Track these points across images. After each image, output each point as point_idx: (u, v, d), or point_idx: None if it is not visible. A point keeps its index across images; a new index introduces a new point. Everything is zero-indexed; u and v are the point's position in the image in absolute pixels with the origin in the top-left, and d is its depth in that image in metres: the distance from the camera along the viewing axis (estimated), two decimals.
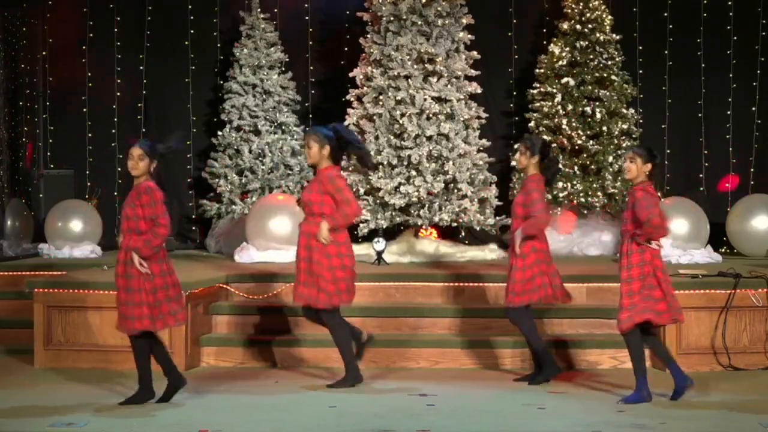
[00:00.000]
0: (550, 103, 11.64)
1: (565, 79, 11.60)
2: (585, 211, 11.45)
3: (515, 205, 7.77)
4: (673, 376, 7.09)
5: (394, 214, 10.77)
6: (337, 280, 7.48)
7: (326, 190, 7.48)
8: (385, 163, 10.71)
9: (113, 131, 12.62)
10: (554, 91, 11.63)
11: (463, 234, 11.24)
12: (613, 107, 11.55)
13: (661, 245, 7.09)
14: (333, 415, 6.65)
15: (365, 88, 11.09)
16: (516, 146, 7.68)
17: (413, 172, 10.70)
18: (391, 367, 8.32)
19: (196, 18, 12.71)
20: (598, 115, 11.48)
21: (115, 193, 12.48)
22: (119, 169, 12.38)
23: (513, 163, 11.28)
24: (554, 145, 11.57)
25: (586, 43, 11.65)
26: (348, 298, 7.61)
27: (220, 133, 12.00)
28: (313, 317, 7.64)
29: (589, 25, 11.68)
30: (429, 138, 10.75)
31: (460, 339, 8.53)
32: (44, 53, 12.64)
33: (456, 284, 9.11)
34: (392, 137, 10.78)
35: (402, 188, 10.63)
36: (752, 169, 12.33)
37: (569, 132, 11.47)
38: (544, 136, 11.56)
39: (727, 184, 12.16)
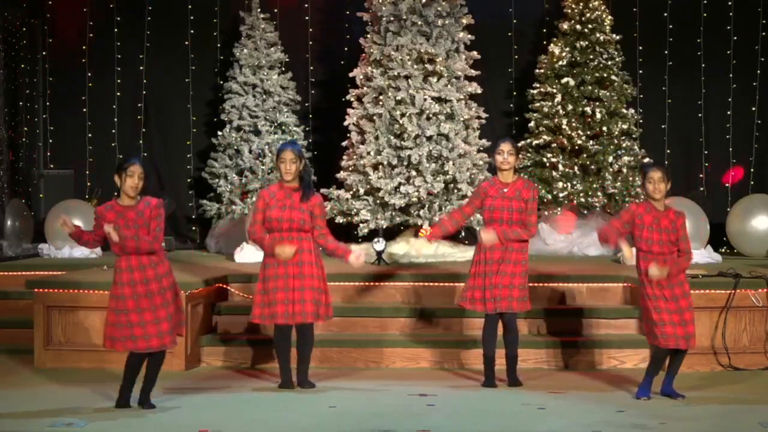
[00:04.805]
0: (550, 103, 11.64)
1: (565, 79, 11.60)
2: (585, 211, 11.46)
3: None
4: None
5: (394, 214, 10.76)
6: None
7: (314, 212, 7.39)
8: (385, 163, 10.71)
9: (113, 131, 12.63)
10: (554, 91, 11.63)
11: (463, 234, 11.23)
12: (613, 107, 11.56)
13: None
14: (333, 415, 6.64)
15: (365, 88, 11.08)
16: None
17: (413, 172, 10.69)
18: (391, 367, 8.31)
19: (196, 18, 12.72)
20: (598, 115, 11.48)
21: (115, 194, 12.42)
22: None
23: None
24: (554, 145, 11.58)
25: (586, 43, 11.65)
26: None
27: (220, 133, 12.00)
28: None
29: (589, 25, 11.68)
30: (429, 138, 10.75)
31: (460, 339, 8.52)
32: (44, 53, 12.64)
33: (456, 284, 9.08)
34: (392, 137, 10.77)
35: (402, 188, 10.63)
36: (752, 170, 12.34)
37: (569, 132, 11.47)
38: (544, 136, 11.60)
39: (731, 175, 12.10)
